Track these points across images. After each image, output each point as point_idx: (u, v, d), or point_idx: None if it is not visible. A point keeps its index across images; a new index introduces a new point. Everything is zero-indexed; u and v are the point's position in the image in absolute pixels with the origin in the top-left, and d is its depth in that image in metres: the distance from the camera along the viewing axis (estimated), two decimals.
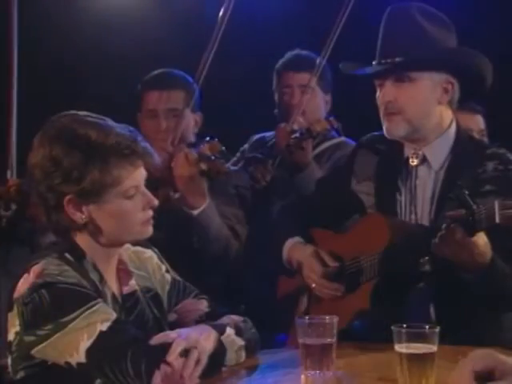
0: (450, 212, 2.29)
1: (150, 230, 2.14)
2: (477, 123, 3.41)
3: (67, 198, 2.04)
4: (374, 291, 2.51)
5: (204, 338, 2.01)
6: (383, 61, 2.57)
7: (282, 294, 2.87)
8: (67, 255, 2.06)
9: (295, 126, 3.20)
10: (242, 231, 3.10)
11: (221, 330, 2.08)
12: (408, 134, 2.57)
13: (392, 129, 2.58)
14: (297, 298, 2.78)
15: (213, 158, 2.87)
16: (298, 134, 3.16)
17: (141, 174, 2.11)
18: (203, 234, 2.95)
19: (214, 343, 2.03)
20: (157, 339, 1.96)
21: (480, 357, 1.66)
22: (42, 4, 4.32)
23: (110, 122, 2.11)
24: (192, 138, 3.20)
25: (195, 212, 2.94)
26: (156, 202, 2.13)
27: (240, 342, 2.13)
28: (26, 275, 2.01)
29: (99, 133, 2.05)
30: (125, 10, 4.41)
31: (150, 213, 2.13)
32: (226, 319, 2.20)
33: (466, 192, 2.21)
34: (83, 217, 2.06)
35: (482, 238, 2.26)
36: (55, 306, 1.95)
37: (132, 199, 2.08)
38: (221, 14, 3.09)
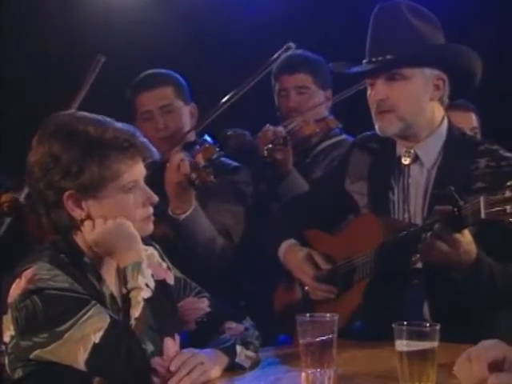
0: (438, 207, 2.30)
1: (150, 227, 2.13)
2: (469, 121, 3.42)
3: (67, 193, 2.03)
4: (367, 289, 2.52)
5: (214, 362, 2.03)
6: (374, 59, 2.56)
7: (279, 307, 2.88)
8: (62, 256, 2.05)
9: (271, 135, 3.14)
10: (236, 228, 3.10)
11: (232, 354, 2.10)
12: (401, 131, 2.57)
13: (385, 127, 2.57)
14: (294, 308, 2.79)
15: (201, 166, 2.86)
16: (270, 145, 3.11)
17: (140, 169, 2.10)
18: (187, 239, 2.96)
19: (222, 369, 2.05)
20: (174, 363, 1.97)
21: (491, 347, 1.68)
22: (41, 4, 4.31)
23: (108, 119, 2.11)
24: (191, 136, 3.20)
25: (181, 217, 2.95)
26: (156, 199, 2.12)
27: (251, 353, 2.15)
28: (17, 280, 2.00)
29: (97, 128, 2.05)
30: (124, 10, 4.41)
31: (151, 210, 2.12)
32: (227, 329, 2.20)
33: (453, 188, 2.22)
34: (83, 214, 2.05)
35: (466, 236, 2.27)
36: (48, 313, 1.94)
37: (131, 194, 2.07)
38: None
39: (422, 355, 1.81)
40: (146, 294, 2.02)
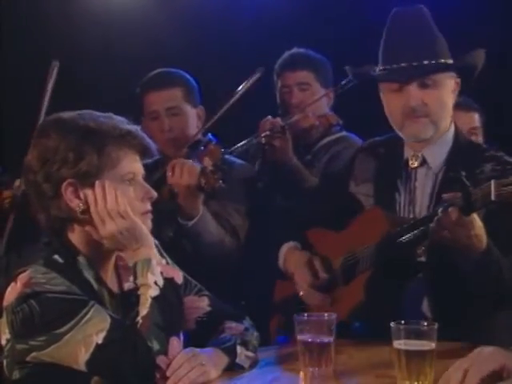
0: (446, 194, 2.30)
1: (148, 224, 2.11)
2: (470, 120, 3.40)
3: (65, 183, 2.02)
4: (369, 281, 2.52)
5: (214, 363, 2.03)
6: (395, 65, 2.54)
7: (279, 298, 2.88)
8: (56, 257, 2.04)
9: (269, 124, 3.17)
10: (242, 226, 3.10)
11: (232, 354, 2.10)
12: (430, 137, 2.57)
13: (419, 131, 2.56)
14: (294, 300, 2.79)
15: (209, 171, 2.86)
16: (268, 132, 3.14)
17: (138, 165, 2.10)
18: (195, 242, 2.97)
19: (222, 369, 2.05)
20: (175, 363, 1.97)
21: (488, 358, 1.66)
22: (42, 4, 4.32)
23: (107, 114, 2.11)
24: (197, 135, 3.18)
25: (189, 223, 2.95)
26: (155, 194, 2.11)
27: (250, 354, 2.15)
28: (12, 284, 1.98)
29: (96, 121, 2.06)
30: (126, 10, 4.41)
31: (149, 206, 2.11)
32: (227, 328, 2.20)
33: (463, 173, 2.23)
34: (81, 204, 2.03)
35: (477, 220, 2.27)
36: (46, 316, 1.93)
37: (129, 186, 2.07)
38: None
39: (420, 354, 1.80)
40: (154, 292, 2.01)
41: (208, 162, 2.89)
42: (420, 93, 2.54)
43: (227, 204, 3.09)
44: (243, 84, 3.11)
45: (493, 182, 2.15)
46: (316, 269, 2.70)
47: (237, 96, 3.10)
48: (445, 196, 2.31)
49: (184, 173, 2.89)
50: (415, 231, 2.41)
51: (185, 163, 2.91)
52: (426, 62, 2.52)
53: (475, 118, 3.44)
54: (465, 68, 2.58)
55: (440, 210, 2.28)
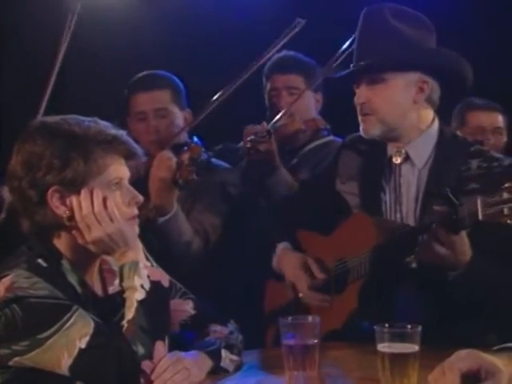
0: (436, 207, 2.28)
1: (135, 229, 2.10)
2: (492, 121, 3.44)
3: (51, 190, 2.00)
4: (362, 290, 2.51)
5: (198, 367, 2.02)
6: (351, 65, 2.58)
7: (270, 305, 2.87)
8: (40, 261, 2.02)
9: (257, 128, 3.15)
10: (215, 228, 3.08)
11: (217, 358, 2.10)
12: (383, 133, 2.58)
13: (367, 129, 2.59)
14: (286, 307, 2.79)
15: (184, 165, 2.85)
16: (253, 136, 3.11)
17: (124, 168, 2.09)
18: (163, 240, 2.94)
19: (206, 373, 2.05)
20: (159, 368, 1.96)
21: (465, 357, 1.66)
22: (32, 4, 4.31)
23: (90, 118, 2.09)
24: (182, 137, 3.17)
25: (160, 220, 2.92)
26: (141, 199, 2.10)
27: (235, 357, 2.15)
28: None
29: (81, 126, 2.04)
30: (113, 11, 4.40)
31: (135, 210, 2.10)
32: (212, 331, 2.19)
33: (448, 190, 2.21)
34: (67, 211, 2.02)
35: (463, 237, 2.26)
36: (29, 321, 1.92)
37: (116, 191, 2.05)
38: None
39: (404, 357, 1.80)
40: (140, 295, 2.00)
41: (185, 158, 2.89)
42: (367, 91, 2.56)
43: (202, 205, 3.08)
44: (283, 34, 3.08)
45: (479, 200, 2.11)
46: (311, 270, 2.70)
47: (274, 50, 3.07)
48: (434, 208, 2.28)
49: (161, 165, 2.88)
50: (404, 242, 2.41)
51: (164, 156, 2.90)
52: (369, 61, 2.53)
53: (498, 119, 3.48)
54: (425, 65, 2.54)
55: (426, 237, 2.28)
